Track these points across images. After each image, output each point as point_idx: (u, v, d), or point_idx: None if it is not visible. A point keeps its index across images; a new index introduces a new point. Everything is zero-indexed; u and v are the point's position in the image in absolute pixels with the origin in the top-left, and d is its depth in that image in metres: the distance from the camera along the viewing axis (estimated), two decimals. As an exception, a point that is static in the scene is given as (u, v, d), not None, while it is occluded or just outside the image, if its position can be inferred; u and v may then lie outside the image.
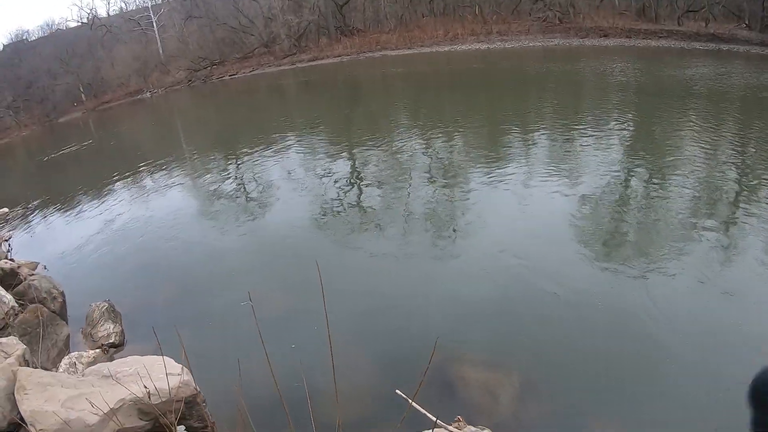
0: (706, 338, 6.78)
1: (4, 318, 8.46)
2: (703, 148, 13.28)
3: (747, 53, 28.28)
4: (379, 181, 13.88)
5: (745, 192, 10.69)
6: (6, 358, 5.95)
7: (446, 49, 42.61)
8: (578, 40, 37.23)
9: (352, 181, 14.50)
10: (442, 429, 5.28)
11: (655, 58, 28.81)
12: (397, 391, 5.66)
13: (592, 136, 15.24)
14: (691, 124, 15.47)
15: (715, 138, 13.99)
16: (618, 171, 12.27)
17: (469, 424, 5.42)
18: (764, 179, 11.05)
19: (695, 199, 10.47)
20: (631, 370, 6.38)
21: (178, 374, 5.05)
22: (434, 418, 4.96)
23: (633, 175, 11.99)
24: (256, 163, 17.85)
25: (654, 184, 11.38)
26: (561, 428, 5.82)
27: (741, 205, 10.16)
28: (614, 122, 16.54)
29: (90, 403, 4.68)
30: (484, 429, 5.37)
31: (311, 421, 3.97)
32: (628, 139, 14.98)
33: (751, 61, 25.78)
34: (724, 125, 15.22)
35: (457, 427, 5.31)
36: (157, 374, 5.03)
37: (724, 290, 7.66)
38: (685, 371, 6.29)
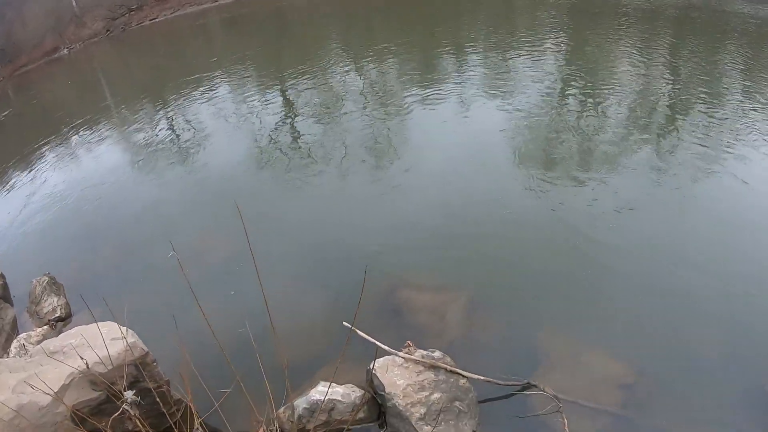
0: (640, 251, 6.93)
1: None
2: (634, 65, 13.28)
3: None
4: (312, 114, 13.57)
5: (678, 108, 10.74)
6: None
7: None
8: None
9: (284, 116, 14.14)
10: (393, 356, 5.31)
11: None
12: (344, 322, 5.65)
13: (525, 55, 15.03)
14: (623, 41, 15.36)
15: (647, 55, 13.93)
16: (553, 89, 12.21)
17: (419, 348, 5.46)
18: (696, 94, 11.11)
19: (628, 116, 10.52)
20: (574, 284, 6.52)
21: (122, 338, 4.90)
22: (382, 345, 4.98)
23: (567, 93, 11.97)
24: (185, 109, 17.22)
25: (588, 101, 11.38)
26: (511, 344, 5.94)
27: (674, 121, 10.23)
28: (547, 40, 16.29)
29: (32, 385, 4.52)
30: (434, 351, 5.42)
31: (259, 365, 3.91)
32: (561, 57, 14.83)
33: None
34: (656, 43, 15.11)
35: (407, 352, 5.35)
36: (102, 342, 4.87)
37: (657, 205, 7.80)
38: (621, 282, 6.47)
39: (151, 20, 50.25)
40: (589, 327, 5.95)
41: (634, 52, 14.24)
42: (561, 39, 16.55)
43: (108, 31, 51.69)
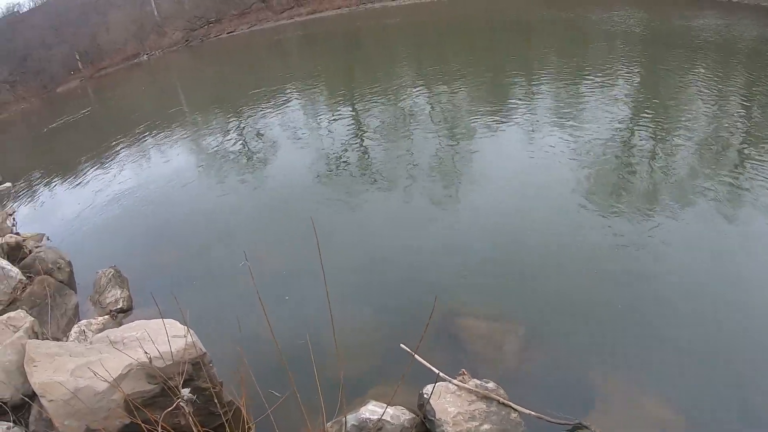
0: (706, 292, 6.65)
1: (12, 292, 8.47)
2: (708, 100, 12.82)
3: (757, 5, 26.96)
4: (380, 135, 13.66)
5: (751, 147, 10.33)
6: (15, 332, 5.93)
7: (446, -3, 41.42)
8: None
9: (353, 134, 14.28)
10: (447, 382, 5.22)
11: (657, 6, 27.76)
12: (401, 345, 5.60)
13: (597, 86, 14.78)
14: (697, 76, 14.88)
15: (722, 91, 13.48)
16: (622, 122, 11.93)
17: (473, 377, 5.36)
18: None
19: (700, 153, 10.16)
20: (634, 323, 6.28)
21: (183, 336, 4.98)
22: (437, 371, 4.90)
23: (637, 126, 11.67)
24: (256, 120, 17.65)
25: (659, 136, 11.06)
26: (565, 380, 5.75)
27: (746, 161, 9.85)
28: (619, 72, 15.99)
29: (95, 371, 4.63)
30: (488, 382, 5.30)
31: (315, 377, 3.89)
32: (633, 89, 14.54)
33: (761, 14, 24.61)
34: (731, 78, 14.65)
35: (461, 380, 5.25)
36: (163, 338, 4.96)
37: (726, 245, 7.49)
38: (682, 324, 6.19)
39: (228, 33, 51.90)
40: (645, 369, 5.72)
41: (706, 86, 13.82)
42: (632, 70, 16.25)
43: (187, 41, 53.59)
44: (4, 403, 5.30)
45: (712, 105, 12.49)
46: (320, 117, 16.56)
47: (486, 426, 4.89)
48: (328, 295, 3.33)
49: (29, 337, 6.00)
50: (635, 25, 23.21)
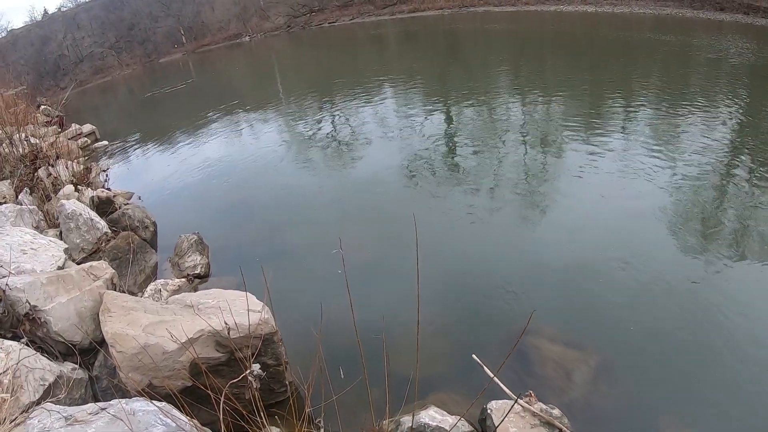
0: None
1: (96, 243, 8.81)
2: None
3: None
4: (473, 141, 13.47)
5: None
6: (95, 280, 6.13)
7: (552, 8, 40.63)
8: (692, 11, 34.49)
9: (446, 136, 14.15)
10: (512, 401, 5.05)
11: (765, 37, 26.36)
12: (474, 356, 5.47)
13: (698, 117, 14.09)
14: None
15: None
16: (721, 158, 11.31)
17: (539, 400, 5.17)
18: None
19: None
20: (712, 373, 5.90)
21: (259, 311, 5.01)
22: (515, 397, 4.74)
23: (737, 165, 11.04)
24: (350, 110, 17.77)
25: (758, 177, 10.42)
26: (632, 420, 5.47)
27: None
28: (723, 106, 15.21)
29: (170, 331, 4.72)
30: (554, 408, 5.10)
31: (384, 373, 3.83)
32: (737, 125, 13.80)
33: None
34: None
35: (527, 402, 5.07)
36: (238, 309, 5.02)
37: None
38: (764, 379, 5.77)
39: (330, 23, 52.85)
40: (718, 425, 5.37)
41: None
42: (737, 103, 15.43)
43: (289, 27, 54.91)
44: (73, 346, 5.48)
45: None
46: (414, 115, 16.50)
47: (545, 452, 4.71)
48: (419, 293, 3.25)
49: (107, 288, 6.20)
50: (746, 57, 22.14)
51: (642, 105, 15.61)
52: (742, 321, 6.57)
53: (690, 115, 14.24)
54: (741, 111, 14.88)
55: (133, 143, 18.29)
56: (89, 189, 11.53)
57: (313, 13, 55.59)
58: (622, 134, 13.07)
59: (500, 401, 5.02)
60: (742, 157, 11.48)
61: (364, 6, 53.63)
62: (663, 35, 27.90)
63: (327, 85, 23.13)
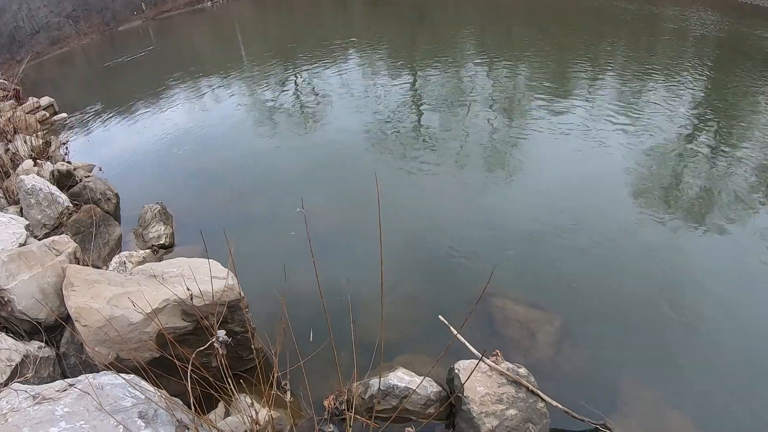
0: (758, 314, 6.37)
1: (58, 217, 8.64)
2: None
3: None
4: (438, 104, 13.45)
5: None
6: (57, 255, 6.01)
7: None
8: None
9: (411, 100, 14.09)
10: (479, 361, 5.13)
11: (742, 12, 26.56)
12: (440, 317, 5.53)
13: (663, 86, 14.24)
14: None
15: None
16: (685, 127, 11.46)
17: (505, 360, 5.27)
18: None
19: (762, 169, 9.71)
20: (674, 333, 6.07)
21: (224, 278, 4.99)
22: (470, 346, 4.81)
23: (700, 134, 11.20)
24: (314, 74, 17.56)
25: (722, 144, 10.60)
26: (594, 378, 5.62)
27: None
28: (689, 76, 15.38)
29: (133, 301, 4.67)
30: (520, 367, 5.20)
31: (351, 337, 3.85)
32: (701, 96, 13.96)
33: None
34: None
35: (494, 362, 5.16)
36: (203, 277, 4.98)
37: None
38: (728, 343, 5.95)
39: (294, -13, 51.75)
40: (677, 383, 5.54)
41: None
42: (702, 76, 15.63)
43: (251, -10, 53.70)
44: (39, 323, 5.41)
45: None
46: (380, 80, 16.37)
47: (512, 411, 4.80)
48: (382, 256, 3.25)
49: (70, 262, 6.09)
50: (716, 30, 22.35)
51: (608, 72, 15.74)
52: (700, 281, 6.75)
53: (655, 84, 14.43)
54: (704, 80, 15.09)
55: (93, 115, 17.81)
56: (49, 163, 11.26)
57: (278, -23, 54.33)
58: (587, 100, 13.17)
59: (467, 361, 5.10)
60: (705, 124, 11.68)
61: (330, -31, 52.54)
62: (630, 5, 27.99)
63: (291, 50, 22.78)
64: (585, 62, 16.89)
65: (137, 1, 57.55)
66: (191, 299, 4.63)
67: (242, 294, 5.06)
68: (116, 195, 9.93)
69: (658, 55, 18.41)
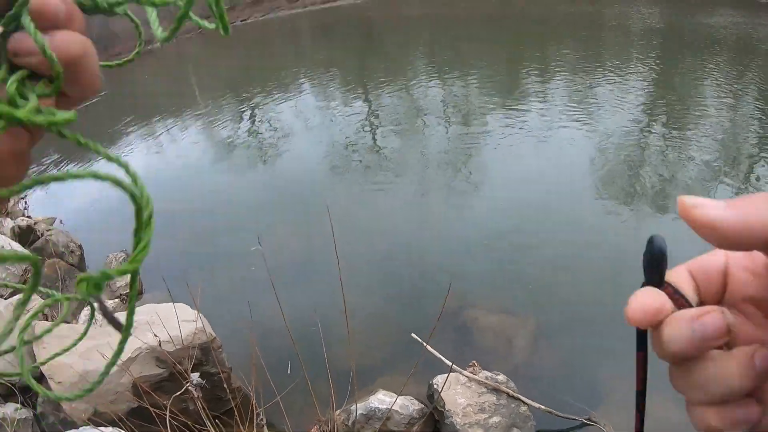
0: None
1: (22, 275, 8.49)
2: (725, 99, 12.68)
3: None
4: (394, 125, 13.59)
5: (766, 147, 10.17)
6: (25, 314, 5.91)
7: (467, -14, 41.14)
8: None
9: (366, 123, 14.21)
10: (457, 373, 5.19)
11: (680, 3, 27.40)
12: (413, 335, 5.57)
13: (611, 81, 14.64)
14: (714, 74, 14.69)
15: (739, 91, 13.30)
16: (635, 120, 11.77)
17: (484, 369, 5.32)
18: None
19: (715, 152, 10.00)
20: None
21: (193, 321, 4.96)
22: (450, 363, 4.86)
23: (653, 126, 11.52)
24: (269, 107, 17.59)
25: (673, 133, 10.91)
26: (575, 376, 5.72)
27: (762, 160, 9.70)
28: (634, 69, 15.82)
29: (103, 354, 4.62)
30: (498, 374, 5.26)
31: (326, 365, 3.87)
32: (648, 86, 14.38)
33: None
34: (748, 78, 14.47)
35: (472, 372, 5.21)
36: (173, 322, 4.95)
37: None
38: None
39: (242, 21, 51.67)
40: (653, 368, 5.64)
41: (724, 85, 13.66)
42: (649, 67, 16.08)
43: (199, 29, 53.42)
44: (13, 385, 5.31)
45: (730, 103, 12.36)
46: (334, 106, 16.49)
47: (495, 418, 4.85)
48: (342, 282, 3.29)
49: (39, 320, 6.00)
50: (656, 21, 23.02)
51: (558, 74, 16.11)
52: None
53: (605, 80, 14.81)
54: (651, 72, 15.53)
55: (51, 166, 17.56)
56: (9, 219, 11.06)
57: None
58: (540, 104, 13.45)
59: (444, 375, 5.14)
60: (655, 116, 12.03)
61: (276, 1, 52.86)
62: (574, 6, 28.66)
63: (244, 85, 22.81)
64: (535, 68, 17.26)
65: (87, 47, 57.17)
66: (159, 345, 4.61)
67: (213, 335, 5.04)
68: (80, 247, 9.79)
69: (605, 52, 18.91)
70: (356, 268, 7.31)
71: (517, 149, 10.83)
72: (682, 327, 0.51)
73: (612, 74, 15.34)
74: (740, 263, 0.57)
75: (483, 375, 5.20)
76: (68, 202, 13.11)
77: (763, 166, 9.56)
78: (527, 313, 6.46)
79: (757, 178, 9.15)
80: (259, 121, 16.58)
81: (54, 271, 8.51)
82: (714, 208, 0.48)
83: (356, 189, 10.31)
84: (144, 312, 5.54)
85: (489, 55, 20.38)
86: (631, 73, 15.44)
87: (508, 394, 5.08)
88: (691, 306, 0.55)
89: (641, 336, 0.62)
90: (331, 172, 11.31)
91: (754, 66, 15.70)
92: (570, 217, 8.26)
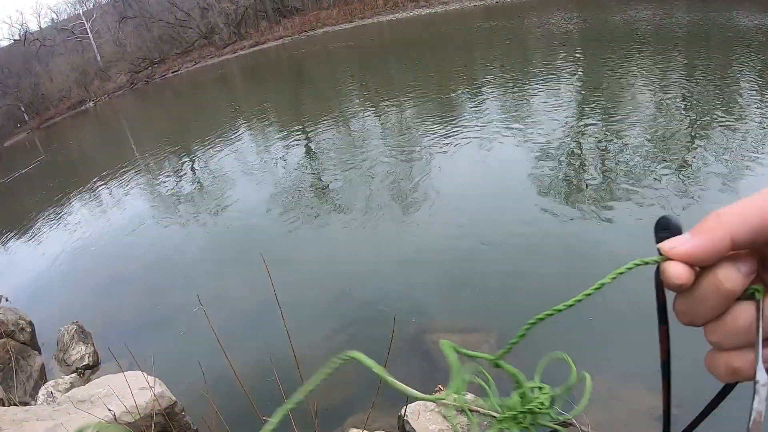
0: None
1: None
2: (651, 89, 13.18)
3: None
4: (333, 159, 13.69)
5: (697, 131, 10.56)
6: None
7: (388, 18, 41.96)
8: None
9: (306, 162, 14.28)
10: (424, 401, 5.18)
11: (597, 5, 28.48)
12: (373, 368, 5.54)
13: (541, 88, 15.03)
14: (638, 66, 15.28)
15: (663, 79, 13.81)
16: (570, 120, 12.10)
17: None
18: (715, 117, 10.88)
19: (648, 142, 10.33)
20: (601, 323, 6.30)
21: (151, 387, 4.85)
22: (409, 389, 4.85)
23: (586, 124, 11.86)
24: (207, 157, 17.52)
25: (607, 129, 11.23)
26: (544, 381, 5.75)
27: (694, 144, 10.07)
28: (562, 72, 16.32)
29: (64, 433, 4.49)
30: (466, 394, 5.27)
31: (288, 414, 3.81)
32: (577, 87, 14.82)
33: (694, 2, 25.22)
34: (671, 65, 15.08)
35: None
36: (132, 390, 4.84)
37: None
38: (646, 319, 6.23)
39: (173, 72, 51.41)
40: (623, 364, 5.76)
41: (649, 76, 14.20)
42: (576, 69, 16.61)
43: (132, 84, 52.88)
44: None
45: (658, 93, 12.83)
46: (271, 148, 16.53)
47: (470, 439, 4.86)
48: (287, 329, 3.29)
49: (-5, 405, 5.80)
50: (575, 24, 23.80)
51: (490, 86, 16.48)
52: (611, 264, 7.04)
53: (536, 85, 15.20)
54: (579, 72, 16.04)
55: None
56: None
57: (155, 65, 54.02)
58: (477, 119, 13.70)
59: (412, 404, 5.13)
60: (588, 113, 12.37)
61: (205, 49, 52.84)
62: (495, 21, 29.49)
63: (181, 136, 22.72)
64: (466, 83, 17.63)
65: (19, 113, 55.75)
66: (115, 419, 4.49)
67: (173, 399, 4.94)
68: (30, 323, 9.47)
69: (532, 59, 19.45)
70: (307, 310, 7.26)
71: (460, 167, 10.99)
72: (730, 267, 0.59)
73: (543, 78, 15.78)
74: None
75: (451, 398, 5.20)
76: (12, 279, 12.74)
77: (696, 147, 9.89)
78: (488, 326, 6.50)
79: (688, 162, 9.48)
80: (201, 170, 16.49)
81: (6, 352, 8.21)
82: (683, 243, 0.60)
83: (300, 230, 10.25)
84: (100, 385, 5.41)
85: (421, 78, 20.73)
86: (561, 74, 15.93)
87: (478, 412, 5.08)
88: None
89: (662, 310, 0.72)
90: (274, 216, 11.21)
91: (672, 53, 16.40)
92: (517, 224, 8.38)
